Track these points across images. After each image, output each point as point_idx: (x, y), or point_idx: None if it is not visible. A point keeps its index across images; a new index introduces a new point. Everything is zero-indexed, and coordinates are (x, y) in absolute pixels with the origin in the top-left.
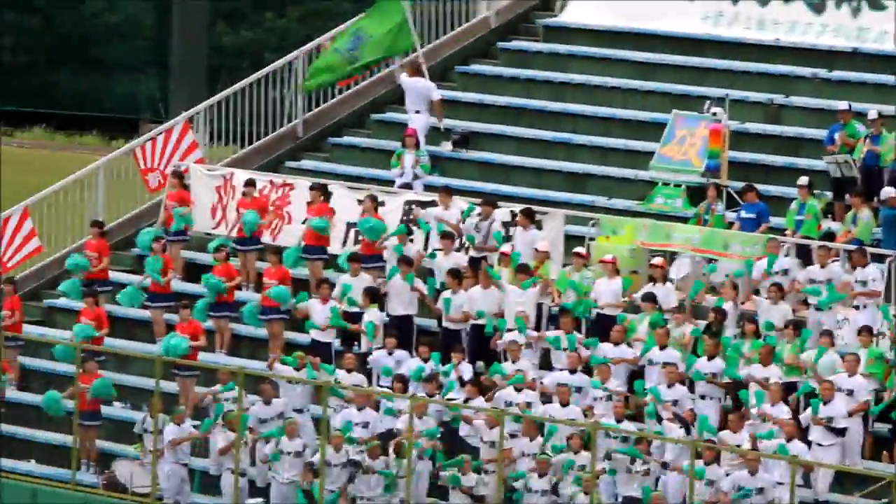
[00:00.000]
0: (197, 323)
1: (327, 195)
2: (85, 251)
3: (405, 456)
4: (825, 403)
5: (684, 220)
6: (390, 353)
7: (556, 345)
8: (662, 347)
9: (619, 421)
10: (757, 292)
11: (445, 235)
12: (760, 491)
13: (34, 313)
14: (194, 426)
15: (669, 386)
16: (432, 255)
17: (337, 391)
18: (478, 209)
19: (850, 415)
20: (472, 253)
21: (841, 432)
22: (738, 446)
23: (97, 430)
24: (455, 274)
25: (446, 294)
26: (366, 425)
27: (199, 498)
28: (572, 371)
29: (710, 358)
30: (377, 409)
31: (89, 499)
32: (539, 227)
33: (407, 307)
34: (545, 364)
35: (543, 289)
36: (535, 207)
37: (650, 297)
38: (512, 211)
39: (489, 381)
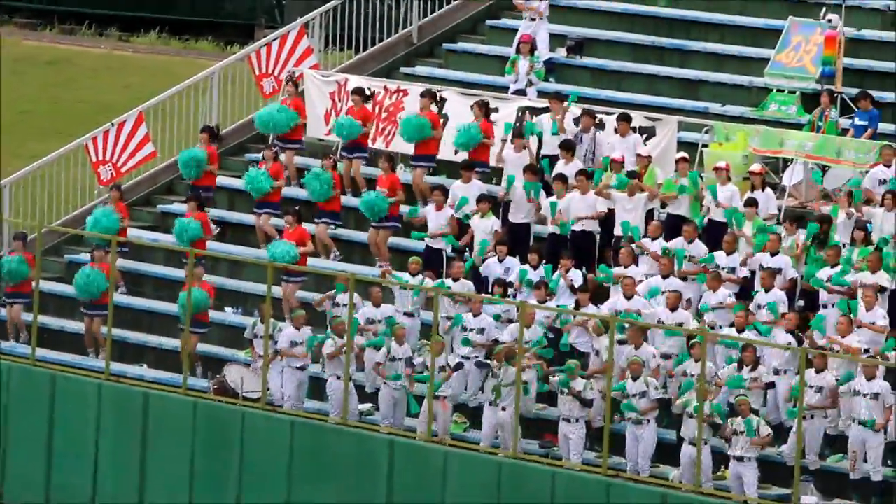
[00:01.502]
0: (303, 229)
1: (439, 102)
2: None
3: (514, 364)
4: None
5: (798, 126)
6: (501, 261)
7: (678, 255)
8: (773, 254)
9: (739, 331)
10: (869, 201)
11: (565, 146)
12: (875, 396)
13: (147, 219)
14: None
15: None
16: (545, 162)
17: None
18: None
19: None
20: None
21: None
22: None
23: (199, 337)
24: (562, 179)
25: (552, 198)
26: (481, 331)
27: (308, 403)
28: (664, 276)
29: (833, 266)
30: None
31: (200, 403)
32: (639, 133)
33: (526, 215)
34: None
35: (652, 196)
36: (647, 114)
37: (752, 203)
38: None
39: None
